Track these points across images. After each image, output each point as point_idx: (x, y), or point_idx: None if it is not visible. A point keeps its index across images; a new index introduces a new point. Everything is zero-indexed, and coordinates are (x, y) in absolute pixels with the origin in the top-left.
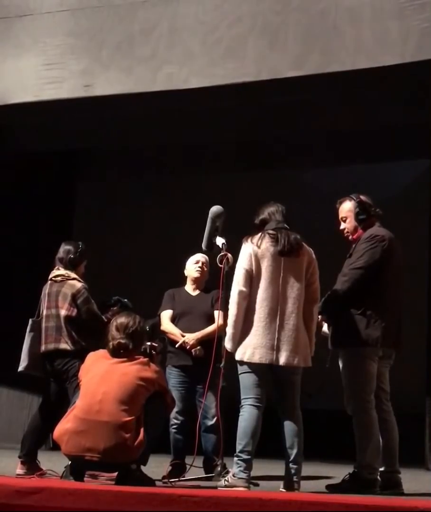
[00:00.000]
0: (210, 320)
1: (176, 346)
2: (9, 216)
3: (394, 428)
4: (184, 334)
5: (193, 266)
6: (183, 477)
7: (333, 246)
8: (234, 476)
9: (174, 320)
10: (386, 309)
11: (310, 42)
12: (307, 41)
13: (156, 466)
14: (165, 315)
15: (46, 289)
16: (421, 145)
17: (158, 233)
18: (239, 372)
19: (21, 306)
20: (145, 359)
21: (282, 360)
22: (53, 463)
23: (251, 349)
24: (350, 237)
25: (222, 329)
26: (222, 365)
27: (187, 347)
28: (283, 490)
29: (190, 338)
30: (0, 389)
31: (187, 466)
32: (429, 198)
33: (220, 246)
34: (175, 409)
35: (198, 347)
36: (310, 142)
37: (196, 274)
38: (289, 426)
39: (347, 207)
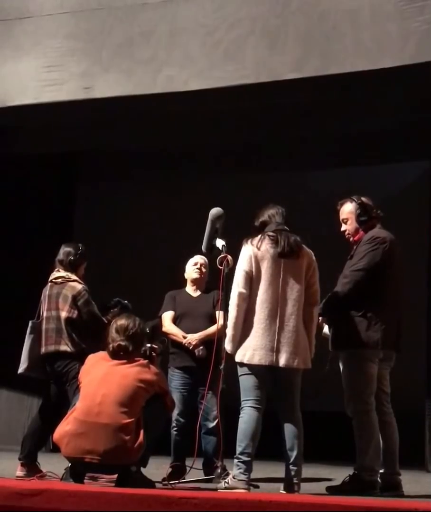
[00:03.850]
0: (212, 321)
1: (184, 343)
2: (9, 217)
3: (395, 430)
4: (186, 335)
5: (192, 267)
6: (184, 479)
7: (334, 248)
8: (233, 478)
9: (175, 321)
10: (386, 310)
11: (309, 45)
12: (306, 44)
13: (156, 468)
14: (167, 316)
15: (46, 291)
16: (421, 146)
17: (158, 233)
18: (239, 374)
19: (21, 308)
20: (145, 361)
21: (282, 361)
22: (53, 465)
23: (250, 351)
24: (351, 239)
25: (222, 331)
26: (222, 367)
27: (191, 347)
28: (283, 492)
29: (194, 338)
30: (0, 391)
31: (188, 468)
32: (430, 200)
33: (220, 248)
34: (176, 411)
35: (201, 347)
36: (310, 144)
37: (196, 275)
38: (289, 428)
39: (348, 209)
